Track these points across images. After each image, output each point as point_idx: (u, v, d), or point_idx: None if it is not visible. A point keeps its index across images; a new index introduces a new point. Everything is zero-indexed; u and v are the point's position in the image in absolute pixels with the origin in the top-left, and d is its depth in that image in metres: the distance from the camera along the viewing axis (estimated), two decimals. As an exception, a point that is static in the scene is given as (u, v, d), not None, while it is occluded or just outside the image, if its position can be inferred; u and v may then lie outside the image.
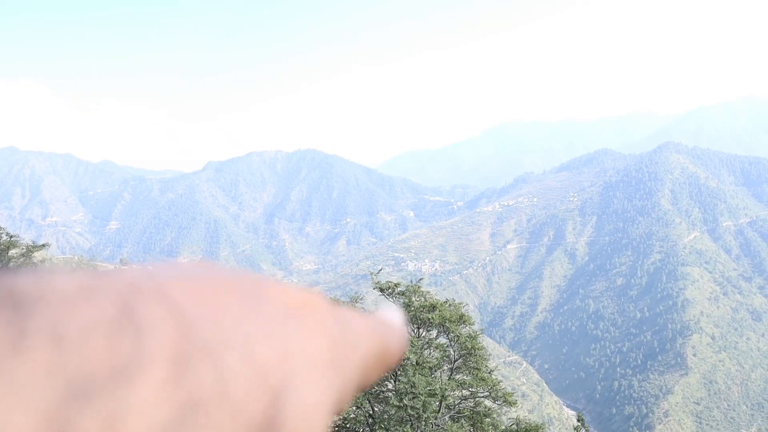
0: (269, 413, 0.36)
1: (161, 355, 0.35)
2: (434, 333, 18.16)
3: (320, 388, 0.37)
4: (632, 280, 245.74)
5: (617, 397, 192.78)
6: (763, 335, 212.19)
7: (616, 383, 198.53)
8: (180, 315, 0.35)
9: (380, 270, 19.20)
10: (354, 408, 16.21)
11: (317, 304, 0.40)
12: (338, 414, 0.40)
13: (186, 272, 0.35)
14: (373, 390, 16.60)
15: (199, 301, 0.35)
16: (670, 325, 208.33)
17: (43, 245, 26.23)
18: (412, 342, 16.90)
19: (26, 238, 26.40)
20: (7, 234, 24.27)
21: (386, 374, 17.12)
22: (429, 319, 17.44)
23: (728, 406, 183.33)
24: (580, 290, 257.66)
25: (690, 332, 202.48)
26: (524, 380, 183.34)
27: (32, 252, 24.33)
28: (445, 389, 15.85)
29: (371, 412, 16.67)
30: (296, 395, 0.36)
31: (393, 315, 0.51)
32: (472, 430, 17.25)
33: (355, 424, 16.62)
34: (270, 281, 0.38)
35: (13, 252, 23.63)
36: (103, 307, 0.35)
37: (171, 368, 0.35)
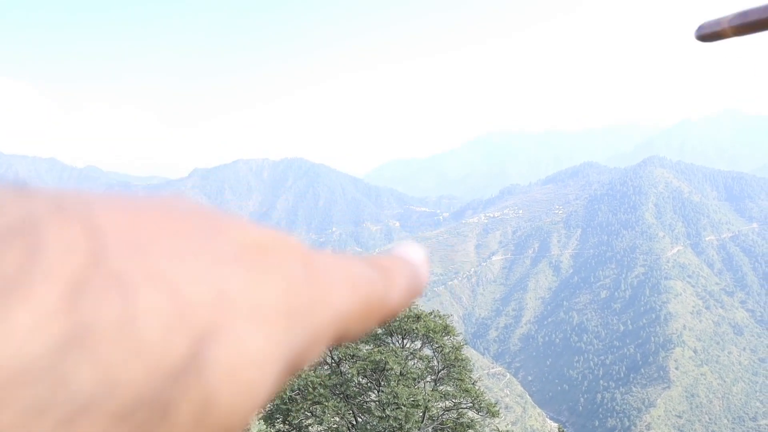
0: (187, 359, 0.31)
1: (57, 276, 0.31)
2: (418, 344, 18.15)
3: (265, 338, 0.32)
4: (616, 293, 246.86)
5: (600, 410, 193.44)
6: (744, 349, 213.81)
7: (599, 396, 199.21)
8: (96, 239, 0.31)
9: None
10: (336, 418, 16.14)
11: (281, 245, 0.36)
12: (298, 370, 0.35)
13: (134, 202, 0.32)
14: (356, 400, 16.55)
15: (130, 229, 0.31)
16: (653, 338, 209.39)
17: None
18: (395, 352, 16.89)
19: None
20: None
21: (370, 384, 17.09)
22: (413, 329, 17.43)
23: (710, 419, 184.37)
24: (565, 302, 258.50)
25: (672, 345, 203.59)
26: (508, 392, 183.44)
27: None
28: (429, 400, 15.83)
29: (354, 422, 16.61)
30: (228, 343, 0.31)
31: (408, 254, 0.47)
32: (455, 441, 17.22)
33: (337, 434, 16.54)
34: (235, 220, 0.35)
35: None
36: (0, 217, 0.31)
37: (65, 291, 0.31)
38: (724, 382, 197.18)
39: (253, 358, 0.31)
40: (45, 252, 0.31)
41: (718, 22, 0.97)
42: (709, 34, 0.99)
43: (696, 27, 1.03)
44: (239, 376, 0.31)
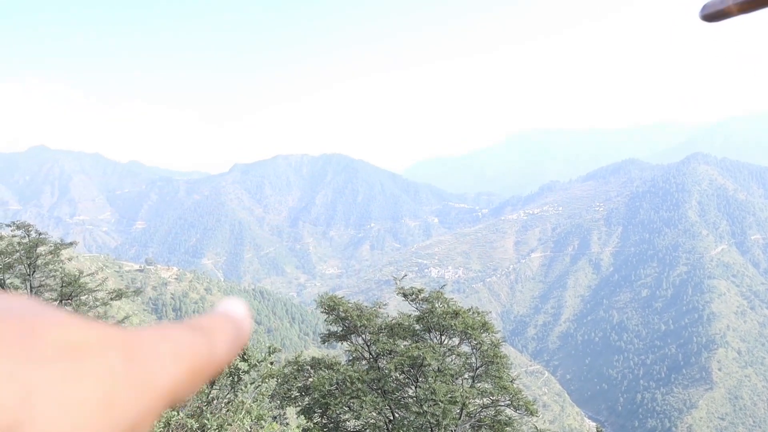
0: None
1: None
2: (456, 340, 18.12)
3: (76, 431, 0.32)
4: (657, 292, 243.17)
5: (640, 410, 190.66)
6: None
7: (639, 396, 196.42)
8: None
9: (404, 276, 19.21)
10: (374, 413, 16.21)
11: (99, 342, 0.36)
12: None
13: None
14: (394, 396, 16.60)
15: None
16: (695, 339, 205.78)
17: (71, 243, 26.59)
18: (433, 348, 16.88)
19: (54, 236, 26.80)
20: (36, 231, 24.64)
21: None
22: (452, 325, 17.41)
23: (754, 422, 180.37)
24: (604, 301, 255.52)
25: (716, 346, 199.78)
26: (546, 390, 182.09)
27: (60, 250, 24.67)
28: (467, 397, 15.79)
29: (391, 417, 16.66)
30: None
31: (229, 310, 0.48)
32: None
33: (374, 429, 16.62)
34: (56, 319, 0.35)
35: (41, 249, 23.99)
36: None
37: None
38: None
39: None
40: None
41: (722, 0, 0.94)
42: (714, 13, 0.97)
43: (700, 6, 0.98)
44: None
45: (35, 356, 0.32)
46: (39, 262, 23.72)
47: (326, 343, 18.95)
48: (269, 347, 11.09)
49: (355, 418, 16.22)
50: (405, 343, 17.61)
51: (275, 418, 15.83)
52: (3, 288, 22.05)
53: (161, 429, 7.89)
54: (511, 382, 17.56)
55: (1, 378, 0.31)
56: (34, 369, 0.31)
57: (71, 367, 0.33)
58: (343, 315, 17.75)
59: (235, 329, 0.48)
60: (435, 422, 15.03)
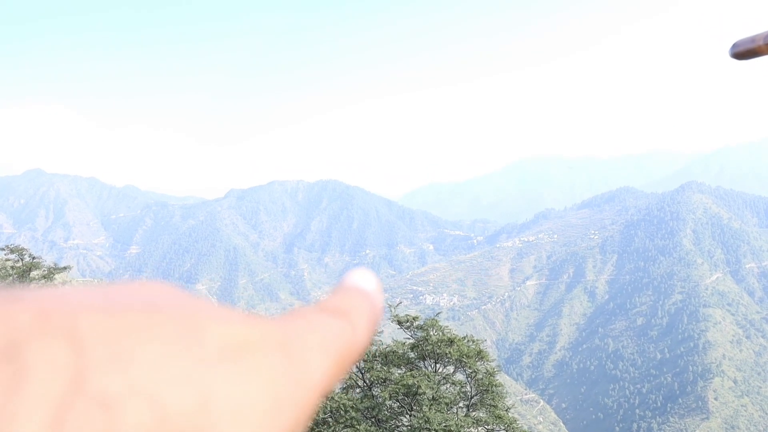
0: None
1: (41, 403, 0.30)
2: (451, 368, 18.03)
3: None
4: (653, 320, 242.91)
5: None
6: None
7: (635, 425, 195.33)
8: (79, 356, 0.31)
9: (399, 303, 19.12)
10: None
11: (261, 339, 0.36)
12: None
13: (116, 298, 0.31)
14: (388, 424, 16.45)
15: (112, 337, 0.31)
16: (691, 368, 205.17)
17: (65, 267, 26.49)
18: (428, 376, 16.77)
19: (48, 259, 26.67)
20: (30, 255, 24.53)
21: (399, 406, 16.97)
22: (447, 353, 17.32)
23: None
24: (600, 329, 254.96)
25: (711, 375, 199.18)
26: (541, 419, 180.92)
27: (53, 274, 24.55)
28: (461, 426, 15.66)
29: (385, 446, 16.49)
30: None
31: (361, 284, 0.48)
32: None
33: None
34: (215, 314, 0.35)
35: (34, 273, 23.86)
36: None
37: (49, 418, 0.31)
38: (767, 414, 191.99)
39: None
40: (29, 378, 0.31)
41: (752, 39, 0.95)
42: (744, 52, 0.97)
43: (730, 45, 1.03)
44: None
45: (205, 357, 0.33)
46: (32, 286, 23.55)
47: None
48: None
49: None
50: (399, 371, 17.49)
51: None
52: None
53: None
54: (506, 411, 17.44)
55: (179, 380, 0.31)
56: (207, 370, 0.32)
57: (240, 368, 0.34)
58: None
59: (371, 307, 0.46)
60: (429, 452, 14.88)
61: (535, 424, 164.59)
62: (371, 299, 0.47)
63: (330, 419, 15.76)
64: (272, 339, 0.37)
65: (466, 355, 17.18)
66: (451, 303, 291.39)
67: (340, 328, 0.42)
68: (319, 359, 0.39)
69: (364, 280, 0.48)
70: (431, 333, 17.72)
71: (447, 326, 18.64)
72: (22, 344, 0.31)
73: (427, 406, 15.87)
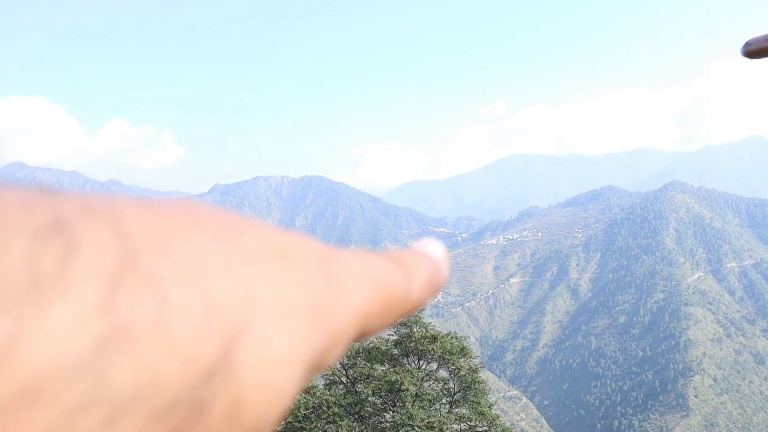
0: (219, 358, 0.31)
1: (94, 275, 0.31)
2: (435, 365, 18.03)
3: (290, 338, 0.32)
4: (635, 319, 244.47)
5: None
6: (766, 379, 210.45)
7: (616, 422, 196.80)
8: (127, 240, 0.32)
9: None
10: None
11: (300, 247, 0.36)
12: (321, 370, 0.35)
13: (158, 205, 0.32)
14: (371, 421, 16.43)
15: (156, 230, 0.32)
16: (672, 365, 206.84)
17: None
18: (411, 373, 16.77)
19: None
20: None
21: (385, 402, 16.95)
22: (430, 350, 17.32)
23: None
24: (582, 327, 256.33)
25: (692, 373, 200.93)
26: (523, 416, 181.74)
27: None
28: (444, 422, 15.68)
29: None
30: (256, 343, 0.32)
31: (428, 250, 0.48)
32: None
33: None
34: (253, 223, 0.35)
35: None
36: (35, 216, 0.31)
37: (103, 290, 0.31)
38: (745, 412, 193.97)
39: (280, 358, 0.32)
40: (81, 251, 0.31)
41: (766, 38, 0.95)
42: (757, 50, 0.96)
43: (742, 44, 1.03)
44: (267, 376, 0.31)
45: (246, 256, 0.32)
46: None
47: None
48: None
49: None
50: (383, 367, 17.47)
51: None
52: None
53: None
54: (489, 407, 17.47)
55: (224, 274, 0.31)
56: (248, 268, 0.32)
57: (278, 270, 0.33)
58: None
59: (434, 270, 0.46)
60: (412, 448, 14.88)
61: (517, 421, 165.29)
62: (435, 263, 0.47)
63: (312, 415, 15.73)
64: (313, 252, 0.37)
65: (449, 351, 17.20)
66: (435, 300, 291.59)
67: (393, 271, 0.42)
68: (360, 286, 0.38)
69: (432, 246, 0.48)
70: (415, 330, 17.71)
71: (431, 323, 18.64)
72: (71, 221, 0.32)
73: (410, 402, 15.87)
